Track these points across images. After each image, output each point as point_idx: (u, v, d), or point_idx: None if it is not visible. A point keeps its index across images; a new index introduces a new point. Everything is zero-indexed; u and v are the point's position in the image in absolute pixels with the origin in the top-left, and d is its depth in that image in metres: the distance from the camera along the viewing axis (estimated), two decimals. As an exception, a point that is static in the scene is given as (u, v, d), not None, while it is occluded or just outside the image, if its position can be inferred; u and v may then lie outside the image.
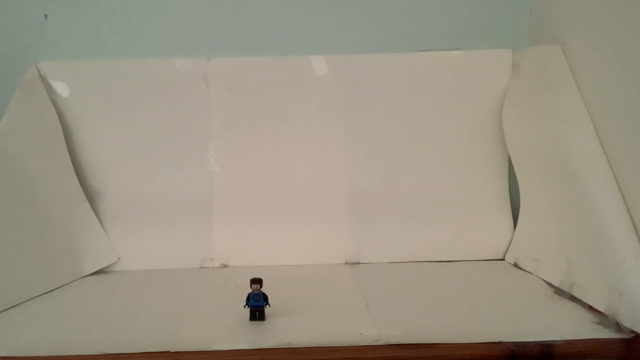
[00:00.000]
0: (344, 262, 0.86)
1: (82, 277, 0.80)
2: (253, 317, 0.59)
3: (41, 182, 0.77)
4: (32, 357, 0.52)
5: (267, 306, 0.60)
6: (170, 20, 0.90)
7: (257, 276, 0.60)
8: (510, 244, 0.85)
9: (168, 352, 0.52)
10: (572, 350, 0.53)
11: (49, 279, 0.74)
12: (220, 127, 0.88)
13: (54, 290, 0.73)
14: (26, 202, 0.74)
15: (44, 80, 0.85)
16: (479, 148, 0.88)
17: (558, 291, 0.68)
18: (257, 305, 0.59)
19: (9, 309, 0.66)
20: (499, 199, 0.88)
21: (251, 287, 0.59)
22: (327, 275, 0.79)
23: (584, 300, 0.63)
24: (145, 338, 0.55)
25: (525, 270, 0.78)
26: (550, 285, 0.71)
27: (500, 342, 0.53)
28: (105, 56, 0.90)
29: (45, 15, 0.90)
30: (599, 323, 0.58)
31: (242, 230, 0.86)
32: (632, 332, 0.54)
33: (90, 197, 0.86)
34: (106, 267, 0.84)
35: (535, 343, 0.53)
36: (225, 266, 0.85)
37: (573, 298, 0.65)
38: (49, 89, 0.85)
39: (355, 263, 0.85)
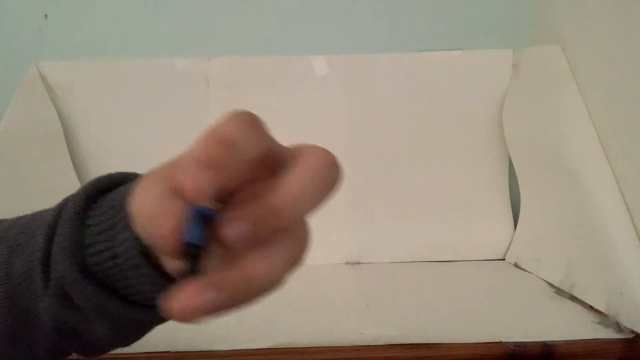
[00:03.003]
0: (345, 262, 0.86)
1: (82, 277, 0.80)
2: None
3: (41, 182, 0.77)
4: (32, 357, 0.52)
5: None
6: (170, 20, 0.90)
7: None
8: (510, 243, 0.85)
9: (168, 352, 0.52)
10: (572, 350, 0.53)
11: (49, 279, 0.74)
12: (220, 127, 0.87)
13: (54, 290, 0.73)
14: (26, 202, 0.74)
15: (44, 80, 0.85)
16: (479, 148, 0.88)
17: (558, 291, 0.68)
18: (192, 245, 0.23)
19: (9, 309, 0.66)
20: (500, 198, 0.88)
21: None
22: (327, 275, 0.79)
23: (584, 300, 0.63)
24: (145, 338, 0.55)
25: (526, 270, 0.78)
26: (551, 285, 0.71)
27: (500, 342, 0.53)
28: (105, 56, 0.90)
29: (45, 15, 0.90)
30: (599, 323, 0.58)
31: (242, 230, 0.86)
32: (633, 332, 0.54)
33: (90, 197, 0.86)
34: (106, 267, 0.83)
35: (535, 343, 0.53)
36: (226, 266, 0.85)
37: (573, 298, 0.65)
38: (49, 89, 0.85)
39: (356, 263, 0.85)
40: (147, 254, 0.28)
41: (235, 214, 0.22)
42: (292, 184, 0.23)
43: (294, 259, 0.24)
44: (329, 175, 0.24)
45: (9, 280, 0.32)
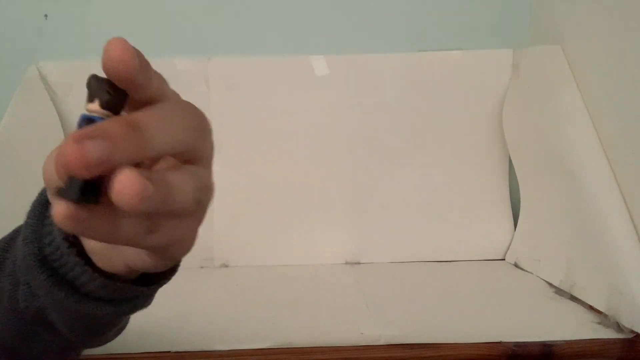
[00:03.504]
0: (344, 262, 0.86)
1: (82, 277, 0.80)
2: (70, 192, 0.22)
3: (41, 182, 0.77)
4: (32, 357, 0.52)
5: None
6: (170, 20, 0.90)
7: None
8: (510, 243, 0.85)
9: (169, 352, 0.52)
10: (572, 351, 0.53)
11: (49, 279, 0.74)
12: (220, 127, 0.88)
13: (54, 290, 0.73)
14: (26, 202, 0.74)
15: (44, 80, 0.85)
16: (480, 148, 0.88)
17: (558, 291, 0.68)
18: None
19: (9, 309, 0.65)
20: (500, 199, 0.88)
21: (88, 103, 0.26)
22: (327, 275, 0.79)
23: (584, 300, 0.63)
24: (145, 338, 0.55)
25: (526, 270, 0.78)
26: (551, 285, 0.71)
27: (500, 342, 0.53)
28: (106, 56, 0.90)
29: (45, 15, 0.90)
30: (599, 323, 0.58)
31: (242, 230, 0.86)
32: (633, 332, 0.54)
33: (90, 197, 0.86)
34: (106, 267, 0.83)
35: (535, 343, 0.53)
36: (226, 266, 0.85)
37: (573, 298, 0.65)
38: (49, 89, 0.85)
39: (356, 263, 0.85)
40: (74, 242, 0.28)
41: (92, 126, 0.21)
42: (156, 108, 0.23)
43: (192, 128, 0.25)
44: (194, 110, 0.25)
45: (14, 272, 0.32)
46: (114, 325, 0.34)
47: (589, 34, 0.71)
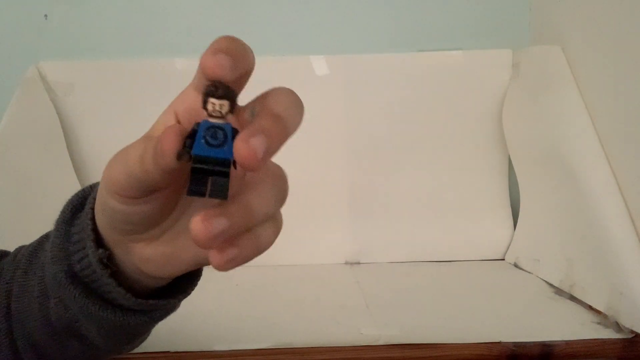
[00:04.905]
0: (344, 262, 0.86)
1: (82, 277, 0.80)
2: (199, 186, 0.23)
3: (41, 183, 0.77)
4: (32, 357, 0.52)
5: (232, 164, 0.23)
6: (170, 20, 0.90)
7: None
8: (510, 243, 0.85)
9: (168, 352, 0.52)
10: (572, 351, 0.53)
11: (49, 279, 0.74)
12: (220, 127, 0.87)
13: (54, 290, 0.73)
14: (26, 203, 0.74)
15: (44, 80, 0.85)
16: (479, 148, 0.88)
17: (558, 291, 0.69)
18: (213, 158, 0.23)
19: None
20: (499, 198, 0.88)
21: (206, 106, 0.24)
22: (327, 275, 0.79)
23: (584, 300, 0.63)
24: (145, 338, 0.55)
25: (526, 270, 0.78)
26: (551, 285, 0.71)
27: (500, 342, 0.53)
28: (105, 56, 0.90)
29: (45, 16, 0.90)
30: (599, 323, 0.58)
31: (242, 230, 0.86)
32: (632, 332, 0.54)
33: (91, 197, 0.86)
34: (106, 267, 0.83)
35: (535, 343, 0.53)
36: (225, 266, 0.85)
37: (573, 298, 0.65)
38: (49, 89, 0.85)
39: (356, 263, 0.85)
40: (107, 264, 0.30)
41: (250, 128, 0.23)
42: (277, 98, 0.26)
43: (280, 196, 0.27)
44: (298, 102, 0.27)
45: (43, 281, 0.33)
46: (147, 332, 0.36)
47: (589, 34, 0.71)
